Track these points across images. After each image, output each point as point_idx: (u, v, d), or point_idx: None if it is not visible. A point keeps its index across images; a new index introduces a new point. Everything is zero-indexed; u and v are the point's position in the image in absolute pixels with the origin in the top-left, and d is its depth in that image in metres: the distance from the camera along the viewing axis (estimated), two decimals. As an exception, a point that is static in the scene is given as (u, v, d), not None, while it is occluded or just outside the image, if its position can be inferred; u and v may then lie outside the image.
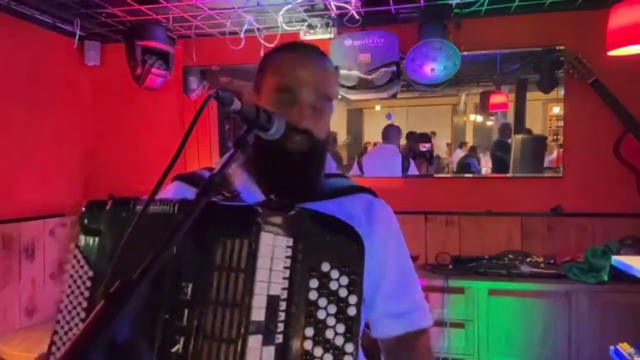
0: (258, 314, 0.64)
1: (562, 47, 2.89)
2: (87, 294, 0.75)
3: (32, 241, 2.90)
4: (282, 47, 1.00)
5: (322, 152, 0.96)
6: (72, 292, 0.76)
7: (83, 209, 0.78)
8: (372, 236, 0.93)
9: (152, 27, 2.97)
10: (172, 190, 1.00)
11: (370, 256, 0.89)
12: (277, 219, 0.70)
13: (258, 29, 3.01)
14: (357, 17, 2.86)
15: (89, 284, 0.76)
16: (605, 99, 2.75)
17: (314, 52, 0.99)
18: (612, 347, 2.06)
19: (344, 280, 0.72)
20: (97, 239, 0.77)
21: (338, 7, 2.80)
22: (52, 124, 3.15)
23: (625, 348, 1.99)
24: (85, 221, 0.78)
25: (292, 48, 0.99)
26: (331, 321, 0.70)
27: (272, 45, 1.06)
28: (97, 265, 0.75)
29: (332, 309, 0.71)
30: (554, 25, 2.88)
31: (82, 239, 0.78)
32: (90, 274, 0.76)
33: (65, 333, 0.76)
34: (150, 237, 0.56)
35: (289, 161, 0.88)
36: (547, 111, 3.14)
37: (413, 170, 3.27)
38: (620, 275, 2.23)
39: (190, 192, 0.63)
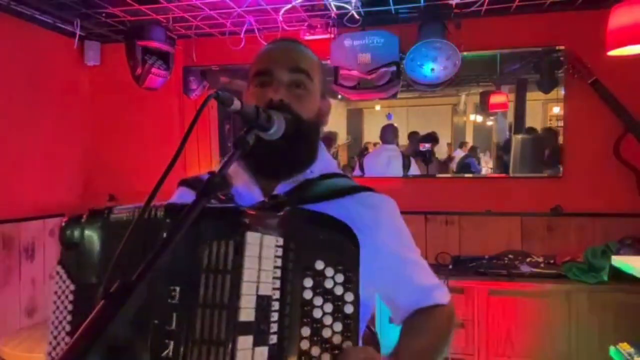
0: (247, 314, 0.63)
1: (562, 47, 2.89)
2: (70, 307, 0.76)
3: (32, 241, 2.91)
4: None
5: (307, 130, 0.94)
6: (57, 307, 0.77)
7: (62, 224, 0.81)
8: (380, 235, 0.93)
9: (152, 27, 2.97)
10: (177, 196, 1.02)
11: (379, 255, 0.90)
12: (266, 219, 0.69)
13: (258, 29, 3.01)
14: (357, 17, 2.86)
15: (71, 297, 0.77)
16: (605, 99, 2.75)
17: (288, 39, 1.04)
18: (612, 347, 2.07)
19: (340, 278, 0.71)
20: (75, 252, 0.78)
21: (338, 7, 2.80)
22: (52, 124, 3.15)
23: (625, 348, 1.99)
24: (64, 236, 0.80)
25: (271, 42, 1.04)
26: (328, 320, 0.69)
27: (266, 44, 1.07)
28: (78, 278, 0.76)
29: (328, 307, 0.70)
30: (554, 25, 2.88)
31: (63, 254, 0.79)
32: (72, 287, 0.77)
33: (54, 348, 0.77)
34: (137, 243, 0.56)
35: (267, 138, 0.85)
36: (547, 111, 3.13)
37: (415, 170, 3.27)
38: (620, 275, 2.23)
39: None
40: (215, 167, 0.66)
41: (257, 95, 0.93)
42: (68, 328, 0.75)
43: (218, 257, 0.64)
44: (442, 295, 1.01)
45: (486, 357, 2.54)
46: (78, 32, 3.02)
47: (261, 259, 0.66)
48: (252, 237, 0.65)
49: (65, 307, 0.76)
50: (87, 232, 0.77)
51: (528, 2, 2.75)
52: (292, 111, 0.90)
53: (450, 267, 2.75)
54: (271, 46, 1.01)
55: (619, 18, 2.25)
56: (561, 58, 2.89)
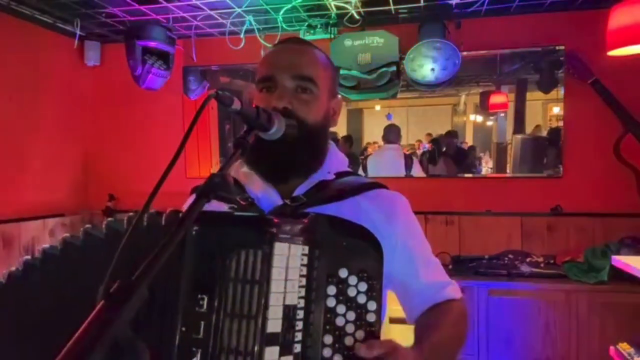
0: (274, 325, 0.64)
1: (562, 47, 2.89)
2: None
3: (32, 241, 2.90)
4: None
5: (313, 134, 0.94)
6: None
7: None
8: (395, 233, 0.94)
9: (152, 27, 2.96)
10: (189, 203, 1.01)
11: (395, 253, 0.91)
12: (292, 227, 0.69)
13: (258, 29, 3.01)
14: (357, 17, 2.86)
15: None
16: (605, 99, 2.75)
17: (293, 41, 1.03)
18: (612, 347, 2.06)
19: (363, 287, 0.71)
20: None
21: (338, 7, 2.80)
22: (52, 124, 3.14)
23: (625, 348, 1.99)
24: None
25: (277, 43, 1.04)
26: (350, 328, 0.70)
27: (272, 46, 1.07)
28: None
29: (351, 315, 0.70)
30: (554, 25, 2.88)
31: None
32: None
33: None
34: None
35: (273, 143, 0.85)
36: (547, 111, 3.13)
37: (418, 170, 3.27)
38: (620, 275, 2.23)
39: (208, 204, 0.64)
40: (229, 170, 0.66)
41: (262, 101, 0.94)
42: None
43: (246, 267, 0.64)
44: (454, 290, 1.02)
45: (486, 357, 2.54)
46: (78, 32, 3.02)
47: (288, 269, 0.66)
48: (279, 248, 0.65)
49: None
50: None
51: (528, 2, 2.75)
52: (297, 117, 0.90)
53: (450, 267, 2.75)
54: (275, 50, 1.00)
55: (619, 18, 2.25)
56: (561, 58, 2.89)
